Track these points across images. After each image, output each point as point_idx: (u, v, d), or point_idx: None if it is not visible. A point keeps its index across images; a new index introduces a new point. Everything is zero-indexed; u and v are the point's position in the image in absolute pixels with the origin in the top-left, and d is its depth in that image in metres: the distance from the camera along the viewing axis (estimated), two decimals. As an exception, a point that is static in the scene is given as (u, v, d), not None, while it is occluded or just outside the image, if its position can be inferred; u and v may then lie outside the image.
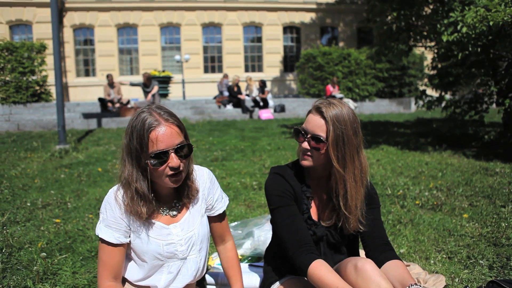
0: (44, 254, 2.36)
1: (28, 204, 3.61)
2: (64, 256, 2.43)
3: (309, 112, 1.49)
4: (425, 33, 6.95)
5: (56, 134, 7.92)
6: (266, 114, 11.75)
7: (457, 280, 2.04)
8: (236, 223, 2.80)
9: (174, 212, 1.44)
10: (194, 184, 1.46)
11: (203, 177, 1.52)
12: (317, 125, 1.42)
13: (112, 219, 1.34)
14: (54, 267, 2.27)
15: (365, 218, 1.49)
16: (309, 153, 1.46)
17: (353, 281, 1.30)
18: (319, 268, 1.32)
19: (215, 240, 1.63)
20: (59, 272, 2.23)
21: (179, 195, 1.45)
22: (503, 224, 2.81)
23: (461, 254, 2.38)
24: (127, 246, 1.41)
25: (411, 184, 4.07)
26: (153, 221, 1.39)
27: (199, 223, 1.48)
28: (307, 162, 1.48)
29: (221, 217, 1.60)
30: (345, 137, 1.40)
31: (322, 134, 1.41)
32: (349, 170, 1.43)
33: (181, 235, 1.42)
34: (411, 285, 1.27)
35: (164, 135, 1.26)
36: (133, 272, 1.43)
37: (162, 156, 1.26)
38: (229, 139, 7.65)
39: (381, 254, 1.46)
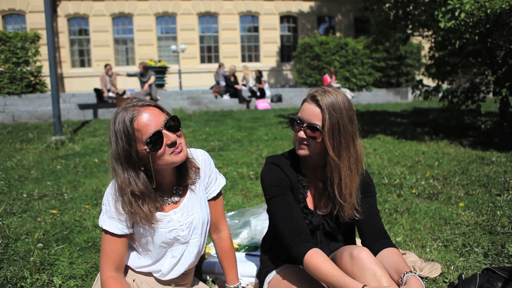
0: (41, 244, 2.36)
1: (25, 195, 3.60)
2: (61, 246, 2.43)
3: (304, 100, 1.48)
4: (422, 19, 6.89)
5: (51, 125, 7.87)
6: (263, 104, 11.72)
7: (452, 267, 2.06)
8: (233, 212, 2.81)
9: (176, 198, 1.44)
10: (193, 162, 1.45)
11: (198, 159, 1.51)
12: (313, 113, 1.41)
13: (114, 210, 1.33)
14: (51, 258, 2.27)
15: (361, 206, 1.49)
16: (305, 142, 1.45)
17: (349, 270, 1.31)
18: (315, 257, 1.33)
19: (210, 228, 1.60)
20: (56, 262, 2.22)
21: (181, 178, 1.44)
22: (498, 213, 2.83)
23: (456, 242, 2.39)
24: (129, 237, 1.41)
25: (408, 173, 4.08)
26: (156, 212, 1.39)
27: (199, 206, 1.48)
28: (303, 151, 1.47)
29: (216, 201, 1.59)
30: (341, 125, 1.39)
31: (318, 123, 1.40)
32: (344, 158, 1.42)
33: (181, 220, 1.42)
34: (406, 273, 1.27)
35: (148, 119, 1.26)
36: (137, 260, 1.44)
37: (157, 138, 1.26)
38: (226, 129, 7.63)
39: (377, 242, 1.46)
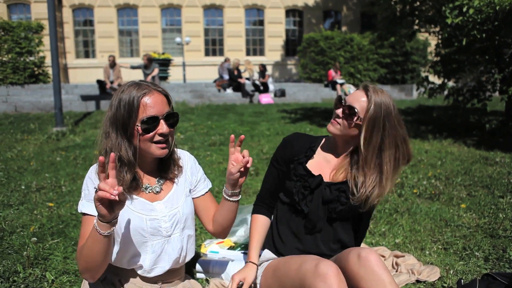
0: (35, 238, 2.34)
1: (23, 187, 3.58)
2: (56, 241, 2.40)
3: (357, 88, 1.55)
4: (429, 14, 6.76)
5: (53, 116, 7.85)
6: (266, 99, 11.65)
7: (451, 272, 2.01)
8: (230, 210, 2.77)
9: (157, 189, 1.43)
10: (178, 161, 1.48)
11: (184, 158, 1.54)
12: (357, 99, 1.47)
13: (94, 193, 1.31)
14: (45, 252, 2.25)
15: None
16: (339, 119, 1.49)
17: (355, 271, 1.28)
18: (254, 221, 1.65)
19: (205, 223, 1.58)
20: (50, 257, 2.20)
21: (163, 171, 1.45)
22: (500, 215, 2.78)
23: (457, 245, 2.34)
24: None
25: (410, 173, 4.03)
26: (136, 197, 1.39)
27: (184, 201, 1.48)
28: (333, 128, 1.51)
29: (205, 196, 1.57)
30: (385, 124, 1.41)
31: (358, 108, 1.44)
32: (378, 159, 1.46)
33: (165, 212, 1.42)
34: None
35: (155, 101, 1.30)
36: (117, 252, 1.40)
37: (153, 122, 1.29)
38: (228, 123, 7.58)
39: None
